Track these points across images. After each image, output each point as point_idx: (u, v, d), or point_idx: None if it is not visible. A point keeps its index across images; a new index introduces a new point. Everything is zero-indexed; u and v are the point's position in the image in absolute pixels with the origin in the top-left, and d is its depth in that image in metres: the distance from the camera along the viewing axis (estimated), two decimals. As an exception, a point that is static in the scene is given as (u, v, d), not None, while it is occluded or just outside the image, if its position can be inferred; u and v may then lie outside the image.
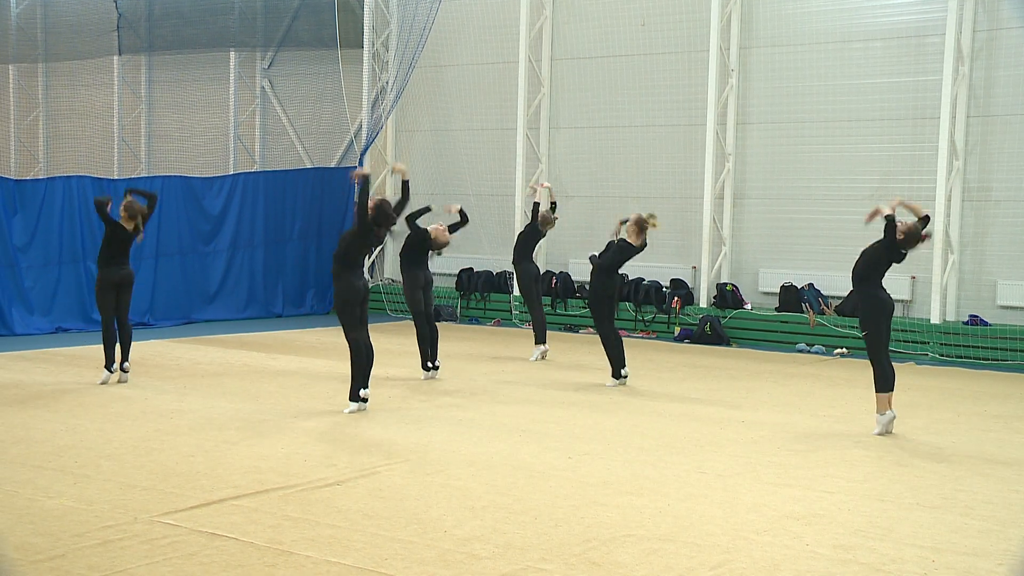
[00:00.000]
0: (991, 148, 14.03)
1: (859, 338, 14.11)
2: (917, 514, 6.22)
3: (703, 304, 15.49)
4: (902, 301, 14.21)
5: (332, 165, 19.21)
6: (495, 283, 17.00)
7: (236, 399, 9.41)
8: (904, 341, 13.63)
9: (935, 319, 13.77)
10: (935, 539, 5.72)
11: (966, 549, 5.56)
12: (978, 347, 13.29)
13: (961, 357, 13.26)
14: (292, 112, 20.02)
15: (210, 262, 16.38)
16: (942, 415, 9.52)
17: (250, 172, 18.32)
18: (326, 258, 17.94)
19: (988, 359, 13.14)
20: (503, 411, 9.14)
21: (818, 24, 15.04)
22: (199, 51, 20.31)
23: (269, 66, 20.25)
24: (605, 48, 16.65)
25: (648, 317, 15.63)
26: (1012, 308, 13.75)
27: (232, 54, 20.12)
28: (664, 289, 15.73)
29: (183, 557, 5.11)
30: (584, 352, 13.30)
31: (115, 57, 20.95)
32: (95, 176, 15.97)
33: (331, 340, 13.99)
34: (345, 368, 11.45)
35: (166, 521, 5.67)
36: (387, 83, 18.22)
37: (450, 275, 17.21)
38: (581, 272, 16.70)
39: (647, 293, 15.70)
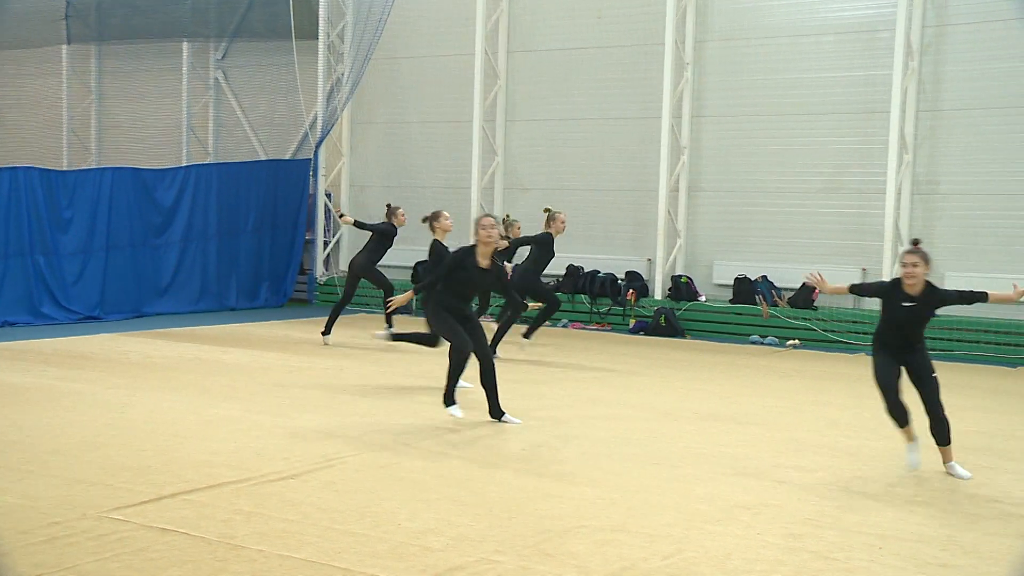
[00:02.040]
0: (940, 142, 14.26)
1: (810, 330, 14.33)
2: (865, 503, 6.32)
3: (658, 296, 15.59)
4: (853, 293, 14.38)
5: (287, 157, 19.06)
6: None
7: (187, 393, 9.32)
8: (853, 332, 13.82)
9: (885, 311, 13.94)
10: (881, 527, 5.82)
11: (911, 536, 5.66)
12: (926, 339, 13.44)
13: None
14: (246, 104, 19.81)
15: (162, 255, 16.15)
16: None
17: (203, 164, 18.11)
18: (280, 250, 17.80)
19: (936, 350, 13.32)
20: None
21: (771, 18, 15.19)
22: (151, 41, 20.02)
23: (223, 57, 20.02)
24: (561, 41, 16.67)
25: (603, 309, 15.70)
26: (960, 300, 13.96)
27: (185, 44, 19.87)
28: (619, 281, 15.80)
29: (132, 553, 5.05)
30: (539, 344, 13.33)
31: (63, 46, 20.60)
32: (43, 167, 15.66)
33: (284, 333, 13.89)
34: (293, 361, 11.39)
35: (115, 517, 5.60)
36: (342, 75, 18.11)
37: (405, 268, 17.09)
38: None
39: (602, 285, 15.77)
